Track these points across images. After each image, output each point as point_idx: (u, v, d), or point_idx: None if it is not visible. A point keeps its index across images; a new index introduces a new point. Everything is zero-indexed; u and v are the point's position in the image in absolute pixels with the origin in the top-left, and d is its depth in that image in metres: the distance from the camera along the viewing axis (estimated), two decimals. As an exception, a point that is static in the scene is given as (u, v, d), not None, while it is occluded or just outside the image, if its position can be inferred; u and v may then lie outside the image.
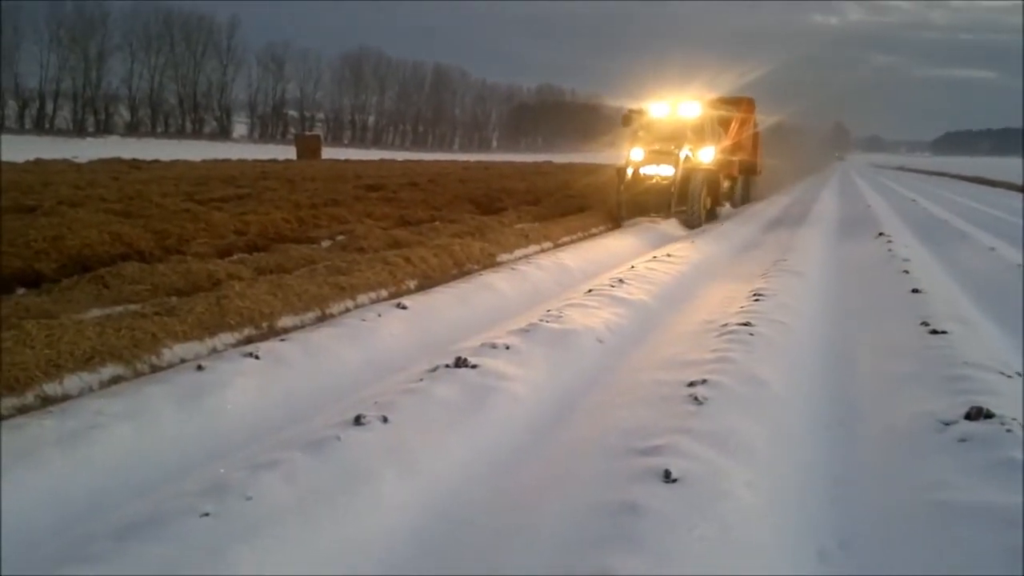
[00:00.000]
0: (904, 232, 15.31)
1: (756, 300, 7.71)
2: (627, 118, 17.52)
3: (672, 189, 15.67)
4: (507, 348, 5.57)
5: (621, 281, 8.41)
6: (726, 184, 19.94)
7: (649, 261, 10.21)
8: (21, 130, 65.92)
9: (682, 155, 15.97)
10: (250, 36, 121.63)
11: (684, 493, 3.47)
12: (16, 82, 70.12)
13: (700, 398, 4.67)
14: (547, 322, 6.37)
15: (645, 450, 3.92)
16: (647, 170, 16.03)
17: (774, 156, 30.87)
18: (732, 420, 4.40)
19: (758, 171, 24.76)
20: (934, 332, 6.34)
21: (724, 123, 19.84)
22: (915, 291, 8.11)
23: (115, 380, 5.14)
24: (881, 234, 13.64)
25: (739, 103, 21.64)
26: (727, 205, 20.31)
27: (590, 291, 7.92)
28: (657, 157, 16.05)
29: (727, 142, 19.61)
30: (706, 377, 5.05)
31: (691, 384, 4.95)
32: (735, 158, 20.37)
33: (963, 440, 4.11)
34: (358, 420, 4.08)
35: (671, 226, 15.52)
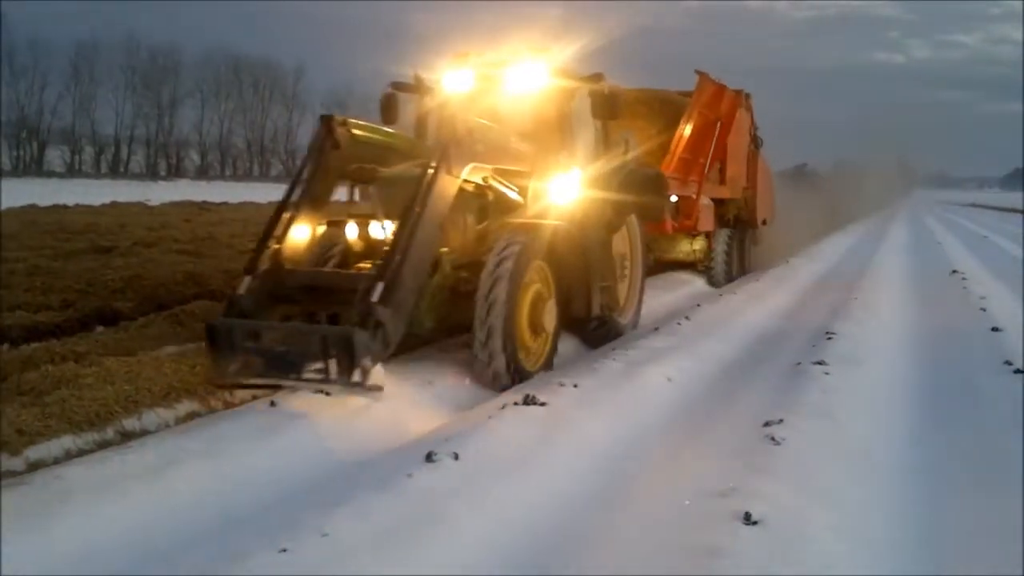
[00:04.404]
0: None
1: None
2: (388, 102, 8.06)
3: (369, 282, 5.31)
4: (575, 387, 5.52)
5: None
6: (694, 246, 12.56)
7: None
8: (97, 174, 68.49)
9: (474, 177, 6.44)
10: (315, 82, 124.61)
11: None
12: (93, 128, 73.17)
13: None
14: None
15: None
16: (375, 230, 6.33)
17: (828, 196, 29.01)
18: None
19: (758, 220, 14.86)
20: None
21: (661, 123, 11.77)
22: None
23: (190, 416, 5.24)
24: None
25: (705, 93, 12.06)
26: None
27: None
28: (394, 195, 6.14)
29: (672, 160, 11.15)
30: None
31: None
32: (708, 197, 12.29)
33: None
34: (429, 457, 4.07)
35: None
